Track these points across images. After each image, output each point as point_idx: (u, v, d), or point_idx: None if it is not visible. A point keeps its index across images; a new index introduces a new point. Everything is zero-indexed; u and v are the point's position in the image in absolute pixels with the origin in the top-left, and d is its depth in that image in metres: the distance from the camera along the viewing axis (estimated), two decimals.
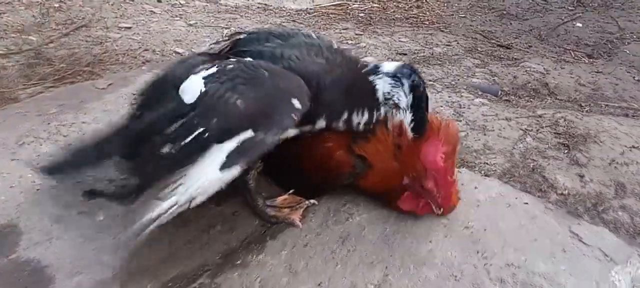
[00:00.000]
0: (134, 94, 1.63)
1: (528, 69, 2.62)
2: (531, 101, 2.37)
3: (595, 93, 2.47)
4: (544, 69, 2.64)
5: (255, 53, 1.21)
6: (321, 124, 1.18)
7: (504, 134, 1.97)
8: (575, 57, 2.84)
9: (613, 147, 1.89)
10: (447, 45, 2.89)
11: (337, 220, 1.32)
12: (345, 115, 1.19)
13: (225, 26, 2.91)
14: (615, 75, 2.65)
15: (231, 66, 1.14)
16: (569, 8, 3.41)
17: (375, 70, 1.20)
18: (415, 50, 2.79)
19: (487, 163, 1.81)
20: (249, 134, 1.03)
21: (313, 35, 1.32)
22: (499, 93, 2.41)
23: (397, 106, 1.20)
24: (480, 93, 2.35)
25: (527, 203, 1.39)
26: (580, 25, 3.17)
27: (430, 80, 2.40)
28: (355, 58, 1.30)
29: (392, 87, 1.18)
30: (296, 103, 1.07)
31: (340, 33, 3.02)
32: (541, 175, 1.77)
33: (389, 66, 1.20)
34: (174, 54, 2.46)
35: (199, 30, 2.83)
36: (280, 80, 1.10)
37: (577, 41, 3.01)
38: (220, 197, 1.44)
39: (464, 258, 1.22)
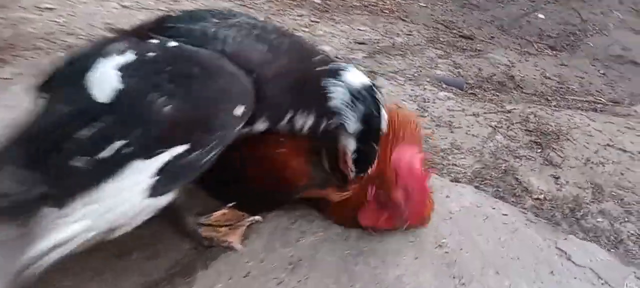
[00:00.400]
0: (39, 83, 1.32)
1: (493, 61, 2.48)
2: (498, 95, 2.22)
3: (561, 86, 2.36)
4: (509, 61, 2.50)
5: (183, 31, 0.94)
6: (262, 125, 0.94)
7: (472, 132, 1.79)
8: (539, 49, 2.73)
9: (587, 145, 1.75)
10: (408, 34, 2.71)
11: (286, 241, 1.09)
12: (289, 115, 0.95)
13: (166, 9, 2.59)
14: (580, 68, 2.55)
15: (153, 54, 0.87)
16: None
17: (335, 74, 0.97)
18: (375, 39, 2.58)
19: (455, 165, 1.63)
20: (181, 149, 0.78)
21: (259, 17, 1.08)
22: (464, 86, 2.24)
23: (343, 128, 0.99)
24: (444, 86, 2.18)
25: (506, 214, 1.21)
26: (543, 16, 3.07)
27: (391, 72, 2.20)
28: (309, 48, 1.05)
29: (346, 104, 0.96)
30: (240, 110, 0.83)
31: (295, 19, 2.77)
32: (514, 177, 1.60)
33: (353, 78, 0.97)
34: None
35: (134, 12, 2.50)
36: (219, 78, 0.84)
37: (540, 33, 2.90)
38: None
39: (438, 284, 1.02)
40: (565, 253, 1.11)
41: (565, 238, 1.17)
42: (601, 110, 2.16)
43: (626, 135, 1.84)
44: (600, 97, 2.31)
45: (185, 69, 0.84)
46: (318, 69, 0.97)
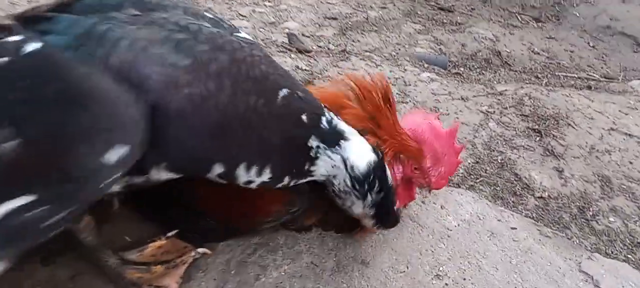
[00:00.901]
0: None
1: (476, 36, 2.24)
2: (484, 73, 1.99)
3: (551, 62, 2.15)
4: (493, 35, 2.27)
5: (63, 25, 0.63)
6: (164, 174, 0.66)
7: (461, 118, 1.56)
8: (523, 21, 2.51)
9: (590, 130, 1.55)
10: (382, 7, 2.44)
11: (242, 282, 0.83)
12: (218, 168, 0.67)
13: None
14: (569, 41, 2.35)
15: (5, 60, 0.56)
16: None
17: (331, 142, 0.72)
18: (347, 13, 2.31)
19: None
20: (23, 201, 0.50)
21: (208, 15, 0.75)
22: (447, 65, 2.01)
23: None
24: (426, 65, 1.93)
25: (515, 228, 0.98)
26: None
27: (366, 51, 1.94)
28: (266, 74, 0.69)
29: (348, 189, 0.74)
30: (116, 154, 0.55)
31: None
32: (513, 172, 1.38)
33: (357, 155, 0.73)
34: None
35: None
36: (87, 104, 0.53)
37: (523, 3, 2.68)
38: (48, 252, 0.91)
39: None
40: (593, 279, 0.90)
41: (589, 258, 0.95)
42: (596, 88, 1.96)
43: (630, 117, 1.65)
44: (593, 72, 2.11)
45: (41, 87, 0.54)
46: (292, 118, 0.69)
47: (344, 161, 0.72)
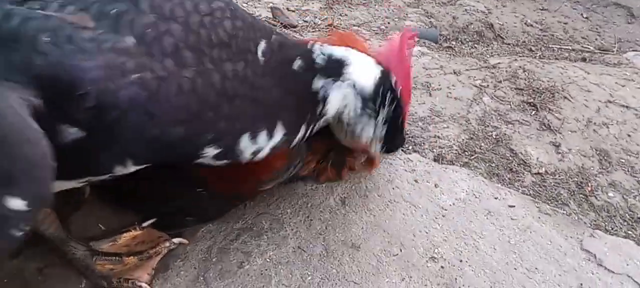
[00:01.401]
0: None
1: (467, 8, 2.17)
2: (476, 47, 1.93)
3: (544, 34, 2.09)
4: (485, 7, 2.20)
5: None
6: (128, 168, 0.57)
7: (454, 93, 1.50)
8: None
9: (586, 103, 1.50)
10: None
11: (224, 270, 0.77)
12: (211, 150, 0.60)
13: None
14: (562, 12, 2.28)
15: None
16: None
17: (333, 72, 0.64)
18: None
19: (438, 137, 1.34)
20: None
21: None
22: (438, 38, 1.94)
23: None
24: (416, 39, 1.86)
25: (513, 206, 0.93)
26: None
27: (354, 25, 1.87)
28: (252, 28, 0.63)
29: (360, 115, 0.65)
30: (18, 203, 0.44)
31: None
32: (508, 148, 1.33)
33: (362, 74, 0.64)
34: None
35: None
36: None
37: None
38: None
39: None
40: (595, 257, 0.85)
41: (591, 235, 0.91)
42: (591, 60, 1.91)
43: (627, 89, 1.60)
44: (588, 44, 2.06)
45: None
46: (285, 68, 0.61)
47: (353, 87, 0.65)
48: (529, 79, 1.58)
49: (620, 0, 2.43)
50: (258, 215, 0.86)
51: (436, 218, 0.88)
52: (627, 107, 1.51)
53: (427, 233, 0.86)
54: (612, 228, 1.16)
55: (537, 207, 0.96)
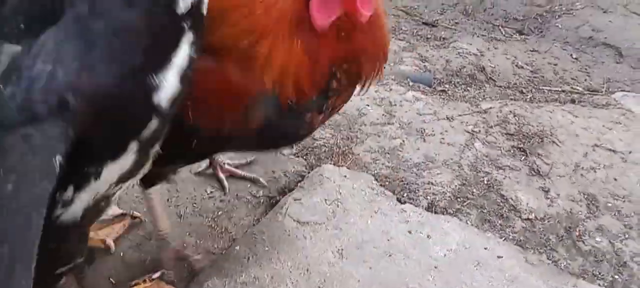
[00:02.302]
0: None
1: (460, 51, 2.26)
2: (469, 90, 2.00)
3: (535, 76, 2.17)
4: (477, 49, 2.29)
5: None
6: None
7: (447, 139, 1.57)
8: (507, 34, 2.53)
9: (574, 147, 1.56)
10: None
11: None
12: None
13: None
14: (552, 53, 2.36)
15: None
16: None
17: None
18: None
19: (432, 183, 1.40)
20: None
21: None
22: (432, 82, 2.01)
23: None
24: (411, 83, 1.94)
25: (501, 256, 0.98)
26: None
27: None
28: None
29: None
30: None
31: None
32: (499, 194, 1.39)
33: None
34: None
35: None
36: None
37: (506, 15, 2.70)
38: None
39: None
40: None
41: (575, 286, 0.96)
42: (580, 101, 1.98)
43: (613, 132, 1.67)
44: (577, 85, 2.13)
45: None
46: None
47: None
48: (519, 123, 1.65)
49: (609, 40, 2.51)
50: (260, 268, 0.91)
51: (429, 270, 0.94)
52: (613, 151, 1.57)
53: (420, 285, 0.91)
54: (600, 273, 1.21)
55: (525, 258, 1.01)
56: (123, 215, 1.01)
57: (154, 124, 0.60)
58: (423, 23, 2.60)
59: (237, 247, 1.00)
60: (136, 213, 1.00)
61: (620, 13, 2.78)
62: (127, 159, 0.62)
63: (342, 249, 0.98)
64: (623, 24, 2.67)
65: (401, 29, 2.48)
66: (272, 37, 0.83)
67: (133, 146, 0.60)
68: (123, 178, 0.65)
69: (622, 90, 2.10)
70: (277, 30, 0.83)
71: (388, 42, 0.99)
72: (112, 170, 0.61)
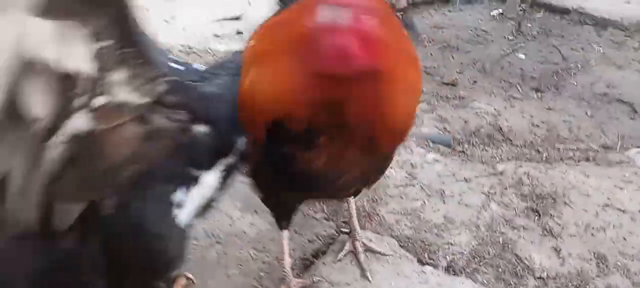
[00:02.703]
0: None
1: (478, 111, 2.41)
2: (487, 150, 2.14)
3: (550, 134, 2.29)
4: (495, 109, 2.43)
5: None
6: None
7: (465, 200, 1.70)
8: (523, 93, 2.67)
9: (586, 208, 1.67)
10: None
11: None
12: None
13: None
14: (567, 111, 2.48)
15: None
16: (509, 38, 3.28)
17: None
18: None
19: (451, 244, 1.53)
20: None
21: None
22: (451, 143, 2.16)
23: None
24: (431, 145, 2.10)
25: None
26: (523, 56, 3.02)
27: None
28: None
29: None
30: None
31: None
32: (514, 253, 1.51)
33: None
34: None
35: None
36: None
37: (522, 74, 2.84)
38: None
39: None
40: None
41: None
42: (594, 160, 2.09)
43: (624, 192, 1.77)
44: (591, 143, 2.24)
45: None
46: None
47: None
48: (532, 185, 1.78)
49: (623, 96, 2.62)
50: None
51: None
52: (623, 211, 1.68)
53: None
54: None
55: None
56: (179, 276, 1.18)
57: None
58: (443, 83, 2.77)
59: None
60: (189, 275, 1.16)
61: (635, 69, 2.90)
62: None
63: None
64: (637, 79, 2.78)
65: (423, 90, 2.65)
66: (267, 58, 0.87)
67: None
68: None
69: (637, 146, 2.19)
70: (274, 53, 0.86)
71: (408, 118, 0.96)
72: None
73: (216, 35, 3.24)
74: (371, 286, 1.26)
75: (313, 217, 1.60)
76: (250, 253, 1.38)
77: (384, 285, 1.24)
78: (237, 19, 3.53)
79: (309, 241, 1.51)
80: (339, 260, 1.33)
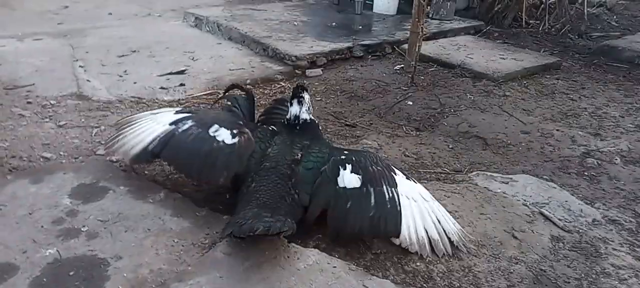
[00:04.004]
0: None
1: (365, 145, 3.14)
2: None
3: (417, 162, 3.02)
4: (378, 144, 3.17)
5: None
6: None
7: None
8: (407, 132, 3.42)
9: None
10: None
11: None
12: None
13: (95, 125, 3.11)
14: (434, 145, 3.24)
15: None
16: (404, 88, 4.09)
17: None
18: None
19: None
20: None
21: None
22: None
23: None
24: None
25: None
26: (411, 103, 3.82)
27: None
28: None
29: None
30: None
31: None
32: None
33: None
34: (41, 159, 2.60)
35: (68, 130, 3.00)
36: None
37: (408, 117, 3.62)
38: None
39: None
40: None
41: None
42: (444, 180, 2.82)
43: (451, 199, 2.50)
44: (446, 167, 2.99)
45: None
46: None
47: None
48: None
49: (480, 133, 3.42)
50: None
51: None
52: (450, 212, 2.40)
53: None
54: None
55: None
56: None
57: None
58: (346, 125, 3.50)
59: None
60: None
61: (494, 112, 3.74)
62: None
63: None
64: (493, 121, 3.61)
65: (327, 130, 3.37)
66: None
67: None
68: None
69: (478, 171, 2.96)
70: None
71: None
72: None
73: (162, 88, 3.89)
74: None
75: None
76: (173, 240, 1.99)
77: None
78: (182, 72, 4.20)
79: None
80: None
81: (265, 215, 1.81)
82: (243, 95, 2.71)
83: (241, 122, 2.27)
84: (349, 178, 2.02)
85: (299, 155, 2.16)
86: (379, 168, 2.12)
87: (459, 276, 2.03)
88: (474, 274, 2.04)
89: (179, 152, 2.07)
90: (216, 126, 2.13)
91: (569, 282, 2.05)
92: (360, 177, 2.03)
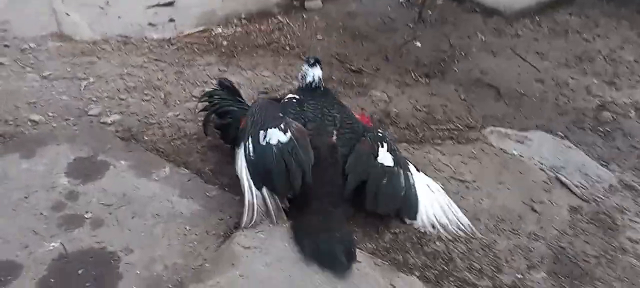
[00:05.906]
0: None
1: (374, 98, 2.97)
2: None
3: (428, 116, 2.87)
4: (388, 96, 2.99)
5: None
6: None
7: None
8: (415, 78, 3.23)
9: (435, 179, 2.28)
10: None
11: None
12: None
13: (83, 76, 2.86)
14: (445, 96, 3.08)
15: None
16: (411, 25, 3.83)
17: None
18: (276, 86, 3.00)
19: None
20: None
21: None
22: None
23: None
24: None
25: None
26: (419, 44, 3.58)
27: None
28: None
29: None
30: None
31: (205, 69, 3.12)
32: None
33: None
34: (28, 122, 2.39)
35: (54, 83, 2.75)
36: None
37: (417, 61, 3.41)
38: None
39: None
40: None
41: None
42: (457, 137, 2.70)
43: (468, 166, 2.41)
44: (459, 123, 2.85)
45: None
46: None
47: None
48: None
49: (492, 81, 3.24)
50: None
51: None
52: (462, 181, 2.31)
53: None
54: None
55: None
56: None
57: None
58: (351, 71, 3.29)
59: None
60: None
61: (506, 56, 3.54)
62: None
63: None
64: (507, 66, 3.43)
65: (332, 77, 3.16)
66: None
67: None
68: None
69: (492, 126, 2.84)
70: None
71: None
72: None
73: (151, 24, 3.57)
74: None
75: None
76: (185, 228, 1.88)
77: None
78: (170, 4, 3.85)
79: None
80: None
81: (331, 224, 1.83)
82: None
83: (279, 114, 2.04)
84: (384, 156, 2.04)
85: (334, 133, 2.08)
86: (400, 153, 2.17)
87: (479, 256, 1.99)
88: (495, 254, 2.00)
89: (263, 177, 1.87)
90: (261, 132, 1.92)
91: (588, 261, 2.02)
92: (393, 157, 2.06)
